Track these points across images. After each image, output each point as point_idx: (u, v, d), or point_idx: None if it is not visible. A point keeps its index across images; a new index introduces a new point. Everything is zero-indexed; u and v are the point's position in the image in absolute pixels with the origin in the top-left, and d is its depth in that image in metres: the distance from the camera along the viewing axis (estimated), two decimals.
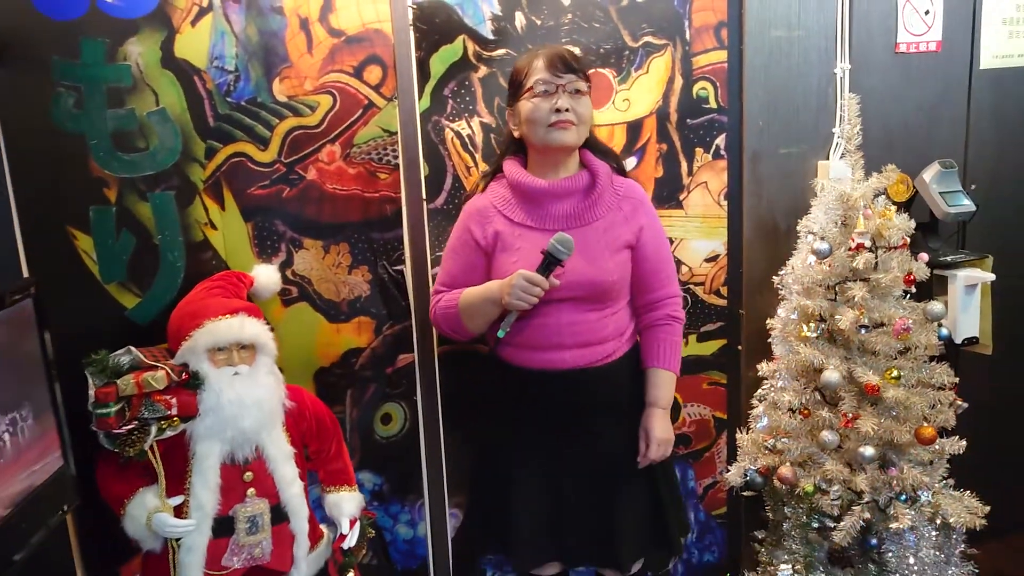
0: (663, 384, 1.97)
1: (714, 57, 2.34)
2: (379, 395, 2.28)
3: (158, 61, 1.96)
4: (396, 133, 2.16)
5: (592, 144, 1.94)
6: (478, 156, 2.25)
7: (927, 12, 2.45)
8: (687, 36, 2.32)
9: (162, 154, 2.00)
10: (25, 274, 1.85)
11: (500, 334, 1.81)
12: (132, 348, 1.76)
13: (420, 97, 2.17)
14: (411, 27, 2.13)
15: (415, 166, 2.19)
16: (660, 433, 1.94)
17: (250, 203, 2.09)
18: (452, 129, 2.22)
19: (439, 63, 2.18)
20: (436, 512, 2.37)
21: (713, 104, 2.36)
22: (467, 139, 2.24)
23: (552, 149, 1.84)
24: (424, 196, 2.21)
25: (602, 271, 1.85)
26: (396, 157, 2.17)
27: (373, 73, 2.13)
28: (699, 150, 2.37)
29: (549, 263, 1.77)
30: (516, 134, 1.91)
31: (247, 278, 2.02)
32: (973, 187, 2.45)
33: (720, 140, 2.38)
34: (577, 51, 2.07)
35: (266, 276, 2.07)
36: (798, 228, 2.29)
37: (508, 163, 1.92)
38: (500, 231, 1.88)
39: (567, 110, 1.80)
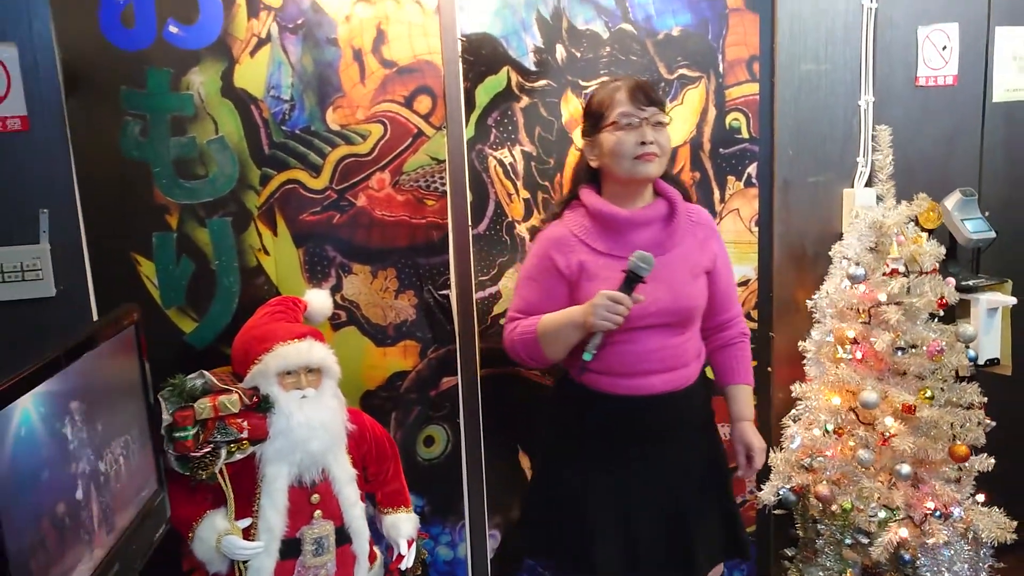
0: (749, 398, 2.06)
1: (746, 89, 2.43)
2: (422, 418, 2.32)
3: (218, 90, 2.01)
4: (444, 161, 2.22)
5: (664, 172, 1.96)
6: (519, 183, 2.31)
7: (944, 48, 2.57)
8: (720, 69, 2.41)
9: (220, 181, 2.04)
10: (92, 301, 1.88)
11: (587, 356, 1.80)
12: (205, 372, 1.78)
13: (466, 126, 2.23)
14: (459, 59, 2.19)
15: (461, 193, 2.25)
16: (760, 443, 2.01)
17: (302, 229, 2.13)
18: (495, 157, 2.28)
19: (484, 93, 2.25)
20: (476, 533, 2.40)
21: (745, 134, 2.45)
22: (509, 167, 2.30)
23: (636, 180, 1.87)
24: (470, 222, 2.27)
25: (688, 297, 1.89)
26: (443, 184, 2.23)
27: (423, 103, 2.18)
28: (731, 178, 2.45)
29: (631, 280, 1.76)
30: (594, 164, 1.92)
31: (302, 303, 2.05)
32: (987, 214, 2.55)
33: (752, 169, 2.46)
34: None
35: (319, 301, 2.10)
36: (831, 253, 2.38)
37: (587, 193, 1.93)
38: (584, 260, 1.88)
39: (652, 142, 1.83)
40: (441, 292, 2.28)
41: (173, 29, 1.94)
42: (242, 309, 2.07)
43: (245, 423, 1.74)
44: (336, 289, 2.18)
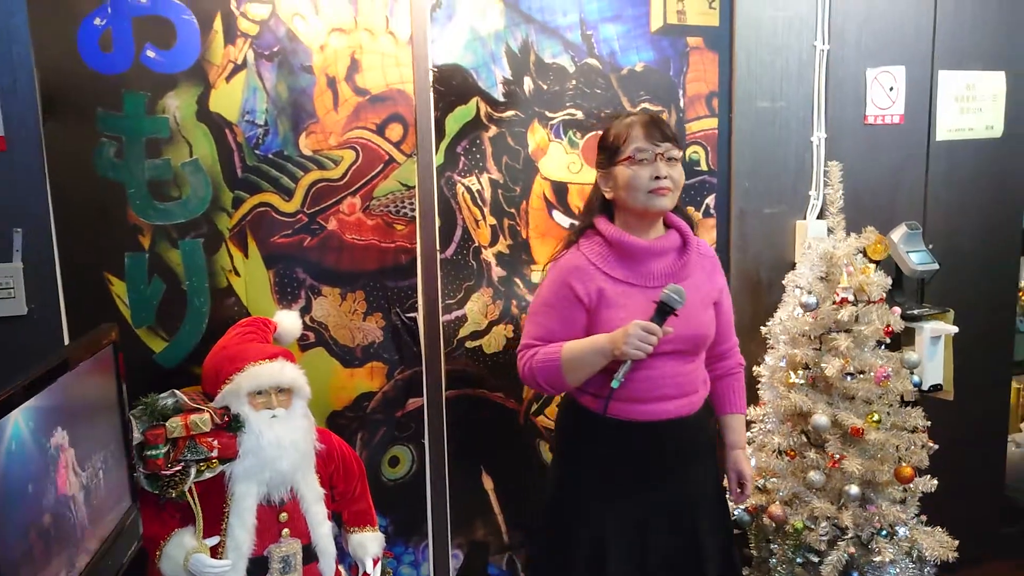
0: (742, 427, 2.13)
1: (706, 124, 2.53)
2: (388, 438, 2.36)
3: (194, 114, 2.04)
4: (414, 187, 2.28)
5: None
6: (486, 210, 2.38)
7: (891, 88, 2.70)
8: (681, 104, 2.51)
9: (193, 203, 2.07)
10: (64, 320, 1.89)
11: (615, 384, 1.81)
12: (176, 391, 1.81)
13: (436, 153, 2.30)
14: (431, 88, 2.26)
15: (430, 219, 2.31)
16: (751, 471, 2.09)
17: (272, 251, 2.17)
18: (463, 184, 2.35)
19: (454, 122, 2.31)
20: (439, 553, 2.44)
21: (704, 167, 2.55)
22: (477, 194, 2.37)
23: (650, 213, 1.91)
24: (438, 246, 2.32)
25: (701, 326, 1.95)
26: (413, 210, 2.29)
27: (395, 130, 2.25)
28: (690, 209, 2.55)
29: (664, 312, 1.80)
30: (609, 196, 1.95)
31: (272, 324, 2.08)
32: (931, 247, 2.68)
33: (710, 200, 2.56)
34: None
35: (289, 322, 2.13)
36: (784, 282, 2.48)
37: (603, 222, 1.95)
38: (603, 288, 1.90)
39: (666, 177, 1.87)
40: (408, 315, 2.33)
41: (150, 54, 1.98)
42: (212, 329, 2.09)
43: (215, 442, 1.76)
44: (305, 310, 2.22)
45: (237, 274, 2.14)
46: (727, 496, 2.13)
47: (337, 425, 2.28)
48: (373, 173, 2.24)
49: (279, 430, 1.82)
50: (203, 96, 2.05)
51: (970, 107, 2.84)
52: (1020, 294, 3.28)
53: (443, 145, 2.31)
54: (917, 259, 2.57)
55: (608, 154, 1.94)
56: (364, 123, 2.21)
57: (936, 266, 2.60)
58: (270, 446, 1.80)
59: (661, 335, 1.79)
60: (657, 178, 1.86)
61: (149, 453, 1.69)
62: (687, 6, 2.49)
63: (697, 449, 2.00)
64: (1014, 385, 3.32)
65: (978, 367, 2.90)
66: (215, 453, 1.76)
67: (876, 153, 2.73)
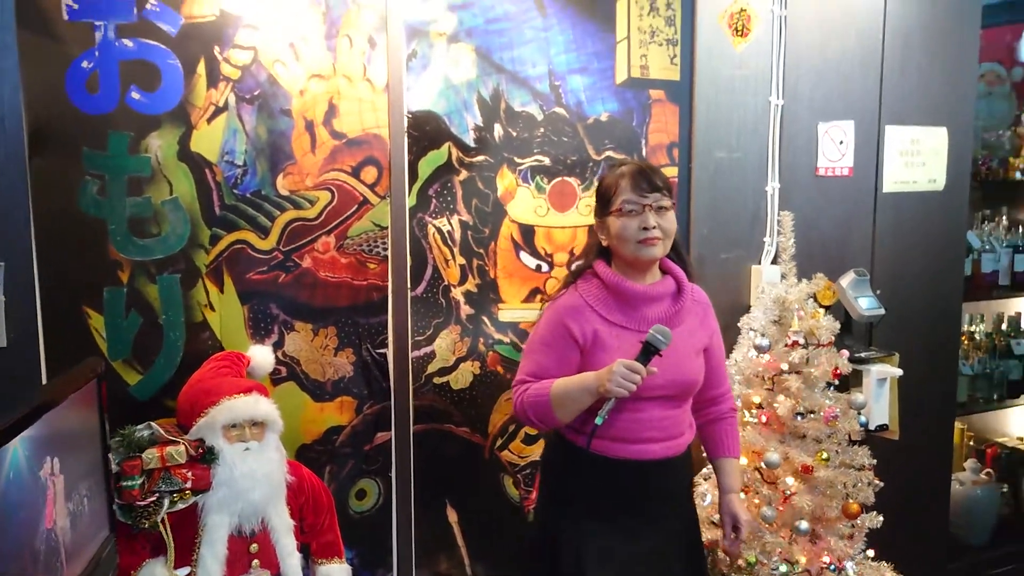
0: (737, 471, 2.17)
1: (666, 172, 2.63)
2: (356, 471, 2.41)
3: (175, 154, 2.11)
4: (387, 227, 2.36)
5: (673, 248, 2.05)
6: (456, 250, 2.47)
7: (841, 142, 2.86)
8: (644, 153, 2.64)
9: (172, 239, 2.13)
10: (42, 352, 1.94)
11: (598, 421, 1.86)
12: (152, 423, 1.85)
13: (409, 195, 2.38)
14: (405, 133, 2.36)
15: (402, 257, 2.39)
16: (746, 516, 2.12)
17: (248, 287, 2.23)
18: (434, 225, 2.44)
19: (426, 166, 2.41)
20: None
21: None
22: (447, 234, 2.46)
23: (641, 262, 1.98)
24: (408, 285, 2.40)
25: (691, 371, 2.01)
26: (385, 249, 2.37)
27: (369, 173, 2.33)
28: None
29: (648, 352, 1.85)
30: (604, 243, 2.03)
31: (245, 358, 2.14)
32: (878, 292, 2.82)
33: None
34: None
35: (262, 356, 2.19)
36: (739, 324, 2.60)
37: (601, 266, 2.02)
38: (598, 329, 1.96)
39: (655, 227, 1.93)
40: (379, 351, 2.39)
41: (135, 95, 2.05)
42: (186, 363, 2.14)
43: (190, 473, 1.81)
44: (278, 345, 2.28)
45: (212, 309, 2.20)
46: (723, 542, 2.17)
47: (306, 458, 2.33)
48: (348, 213, 2.32)
49: (252, 462, 1.88)
50: (184, 136, 2.12)
51: (914, 161, 3.01)
52: (962, 338, 3.45)
53: (416, 187, 2.40)
54: (865, 304, 2.71)
55: (602, 204, 2.01)
56: (340, 165, 2.30)
57: (883, 311, 2.74)
58: (243, 478, 1.86)
59: (645, 374, 1.84)
60: (646, 228, 1.92)
61: (125, 484, 1.73)
62: (650, 61, 2.62)
63: (680, 490, 2.08)
64: (957, 425, 3.47)
65: (923, 408, 3.04)
66: (189, 484, 1.81)
67: (827, 203, 2.87)
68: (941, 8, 3.02)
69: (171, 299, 2.14)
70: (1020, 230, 3.64)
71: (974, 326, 3.63)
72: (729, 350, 2.63)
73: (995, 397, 3.58)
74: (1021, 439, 4.06)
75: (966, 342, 3.54)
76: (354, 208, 2.32)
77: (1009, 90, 4.10)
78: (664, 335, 1.85)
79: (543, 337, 2.02)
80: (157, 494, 1.78)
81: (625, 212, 1.94)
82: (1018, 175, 3.55)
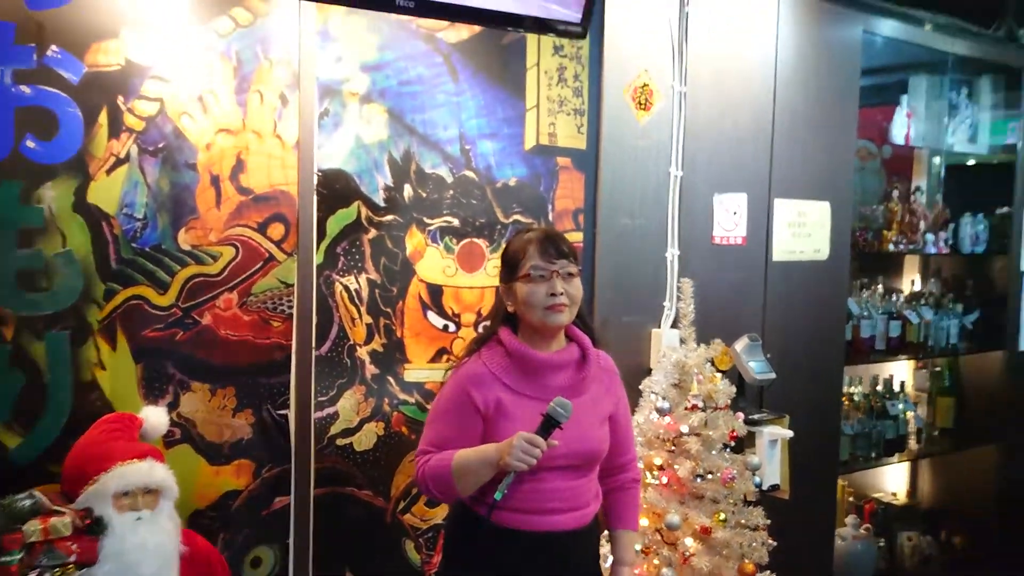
0: (632, 544, 2.15)
1: (572, 237, 2.72)
2: (252, 538, 2.31)
3: (70, 206, 2.02)
4: (293, 285, 2.31)
5: (577, 316, 2.04)
6: (363, 309, 2.44)
7: (735, 213, 3.01)
8: (550, 217, 2.70)
9: (63, 294, 2.02)
10: None
11: (498, 496, 1.83)
12: (35, 492, 1.73)
13: (316, 253, 2.35)
14: (315, 191, 2.33)
15: (307, 316, 2.34)
16: None
17: (143, 345, 2.13)
18: (341, 283, 2.41)
19: (335, 223, 2.39)
20: None
21: None
22: (354, 293, 2.43)
23: (547, 328, 1.96)
24: (313, 344, 2.36)
25: (596, 440, 2.00)
26: (290, 307, 2.32)
27: (276, 229, 2.29)
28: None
29: (549, 425, 1.82)
30: (511, 309, 2.01)
31: (138, 420, 2.04)
32: (769, 356, 2.96)
33: None
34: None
35: (155, 418, 2.09)
36: (641, 387, 2.66)
37: (506, 333, 2.00)
38: (500, 398, 1.94)
39: (562, 293, 1.93)
40: (280, 411, 2.33)
41: (30, 144, 1.95)
42: (73, 425, 2.01)
43: (75, 546, 1.70)
44: (173, 406, 2.18)
45: (103, 368, 2.09)
46: None
47: (200, 524, 2.21)
48: (252, 270, 2.26)
49: (144, 533, 1.78)
50: (81, 187, 2.03)
51: (801, 232, 3.19)
52: (844, 400, 3.64)
53: (323, 245, 2.37)
54: (757, 368, 2.82)
55: (508, 270, 2.00)
56: (246, 221, 2.25)
57: (773, 375, 2.87)
58: (134, 550, 1.75)
59: (545, 448, 1.82)
60: (553, 295, 1.93)
61: (2, 559, 1.60)
62: (558, 129, 2.70)
63: (586, 562, 2.05)
64: (840, 483, 3.64)
65: (809, 467, 3.17)
66: (74, 558, 1.70)
67: (722, 270, 3.00)
68: (825, 89, 3.25)
69: (59, 357, 2.02)
70: (894, 298, 3.89)
71: (854, 388, 3.84)
72: (632, 412, 2.69)
73: (873, 455, 3.77)
74: (895, 495, 4.29)
75: (847, 403, 3.74)
76: (259, 265, 2.27)
77: (880, 166, 4.42)
78: (564, 407, 1.83)
79: (446, 406, 2.00)
80: (38, 569, 1.65)
81: (533, 278, 1.94)
82: (891, 247, 3.80)
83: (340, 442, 2.43)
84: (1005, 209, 4.16)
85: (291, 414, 2.33)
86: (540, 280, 1.94)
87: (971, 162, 4.51)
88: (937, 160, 4.47)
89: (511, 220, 2.64)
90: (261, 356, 2.29)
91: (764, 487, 2.76)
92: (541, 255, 1.95)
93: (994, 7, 4.07)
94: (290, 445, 2.34)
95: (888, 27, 3.47)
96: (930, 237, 3.95)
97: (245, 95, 2.23)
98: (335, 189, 2.38)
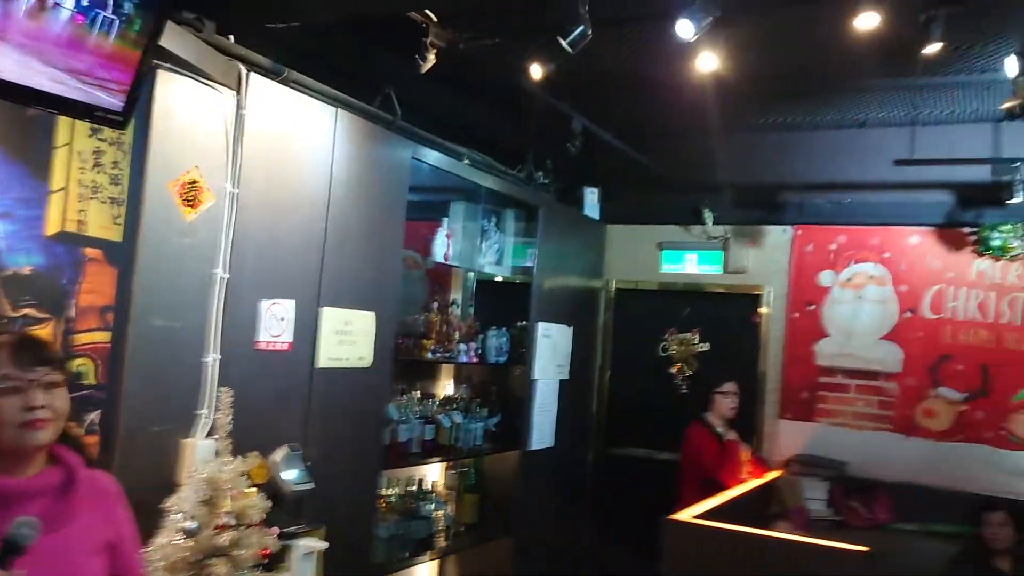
0: None
1: (97, 336, 2.45)
2: None
3: None
4: None
5: (64, 433, 1.75)
6: None
7: (283, 319, 2.98)
8: (72, 313, 2.40)
9: None
10: None
11: None
12: None
13: None
14: None
15: None
16: None
17: None
18: None
19: None
20: None
21: (91, 380, 2.43)
22: None
23: (24, 449, 1.65)
24: None
25: (90, 575, 1.70)
26: None
27: None
28: (72, 424, 2.38)
29: (8, 551, 1.49)
30: None
31: None
32: (309, 464, 2.93)
33: (95, 416, 2.43)
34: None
35: None
36: (166, 506, 2.43)
37: None
38: None
39: (43, 407, 1.65)
40: None
41: None
42: None
43: None
44: None
45: None
46: None
47: None
48: None
49: None
50: None
51: (347, 339, 3.27)
52: (381, 502, 3.75)
53: None
54: (294, 479, 2.78)
55: None
56: None
57: (312, 485, 2.84)
58: None
59: None
60: (31, 409, 1.64)
61: None
62: (89, 217, 2.44)
63: None
64: None
65: (346, 572, 3.18)
66: None
67: (266, 376, 2.93)
68: (376, 204, 3.43)
69: None
70: (429, 403, 4.16)
71: (390, 490, 3.98)
72: (154, 534, 2.44)
73: (407, 555, 3.92)
74: None
75: (384, 506, 3.85)
76: None
77: (423, 275, 4.80)
78: (31, 526, 1.54)
79: None
80: None
81: (4, 391, 1.64)
82: (429, 355, 4.09)
83: None
84: (523, 323, 4.75)
85: None
86: (14, 392, 1.65)
87: (499, 278, 5.11)
88: (471, 275, 5.00)
89: (21, 314, 2.30)
90: None
91: None
92: (14, 362, 1.66)
93: (520, 152, 4.75)
94: None
95: (433, 157, 3.82)
96: (463, 347, 4.34)
97: None
98: None
